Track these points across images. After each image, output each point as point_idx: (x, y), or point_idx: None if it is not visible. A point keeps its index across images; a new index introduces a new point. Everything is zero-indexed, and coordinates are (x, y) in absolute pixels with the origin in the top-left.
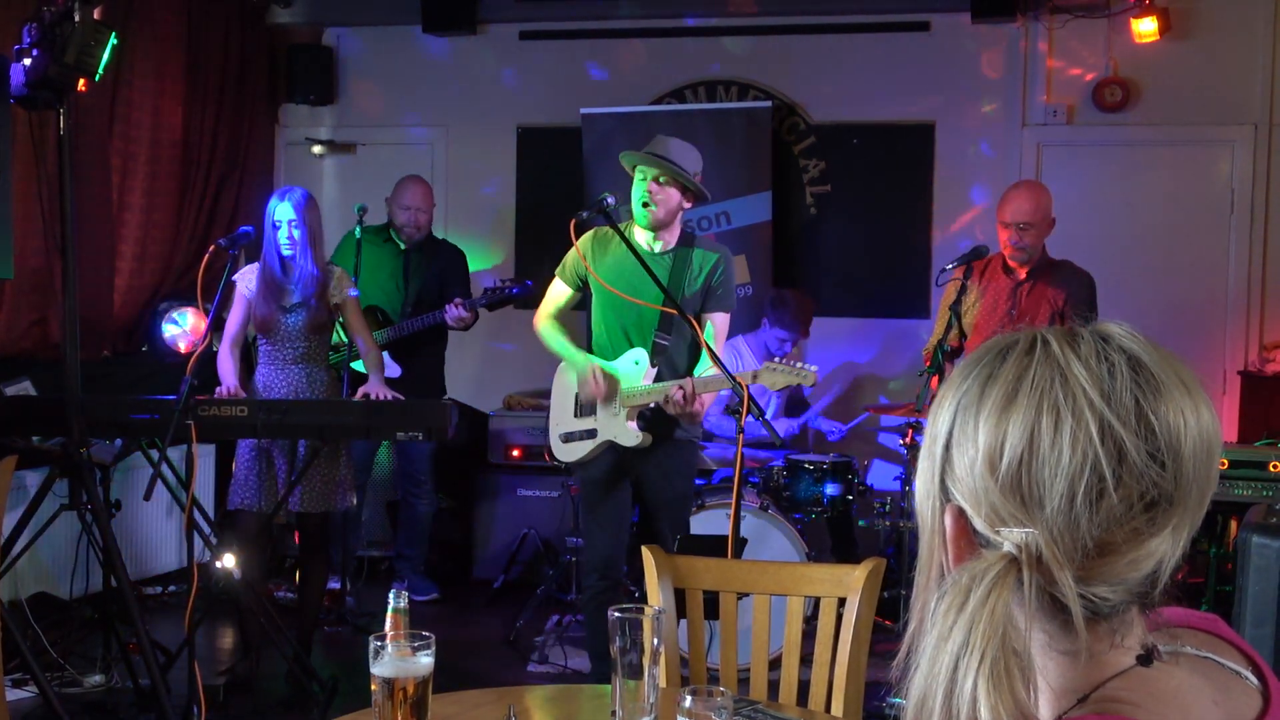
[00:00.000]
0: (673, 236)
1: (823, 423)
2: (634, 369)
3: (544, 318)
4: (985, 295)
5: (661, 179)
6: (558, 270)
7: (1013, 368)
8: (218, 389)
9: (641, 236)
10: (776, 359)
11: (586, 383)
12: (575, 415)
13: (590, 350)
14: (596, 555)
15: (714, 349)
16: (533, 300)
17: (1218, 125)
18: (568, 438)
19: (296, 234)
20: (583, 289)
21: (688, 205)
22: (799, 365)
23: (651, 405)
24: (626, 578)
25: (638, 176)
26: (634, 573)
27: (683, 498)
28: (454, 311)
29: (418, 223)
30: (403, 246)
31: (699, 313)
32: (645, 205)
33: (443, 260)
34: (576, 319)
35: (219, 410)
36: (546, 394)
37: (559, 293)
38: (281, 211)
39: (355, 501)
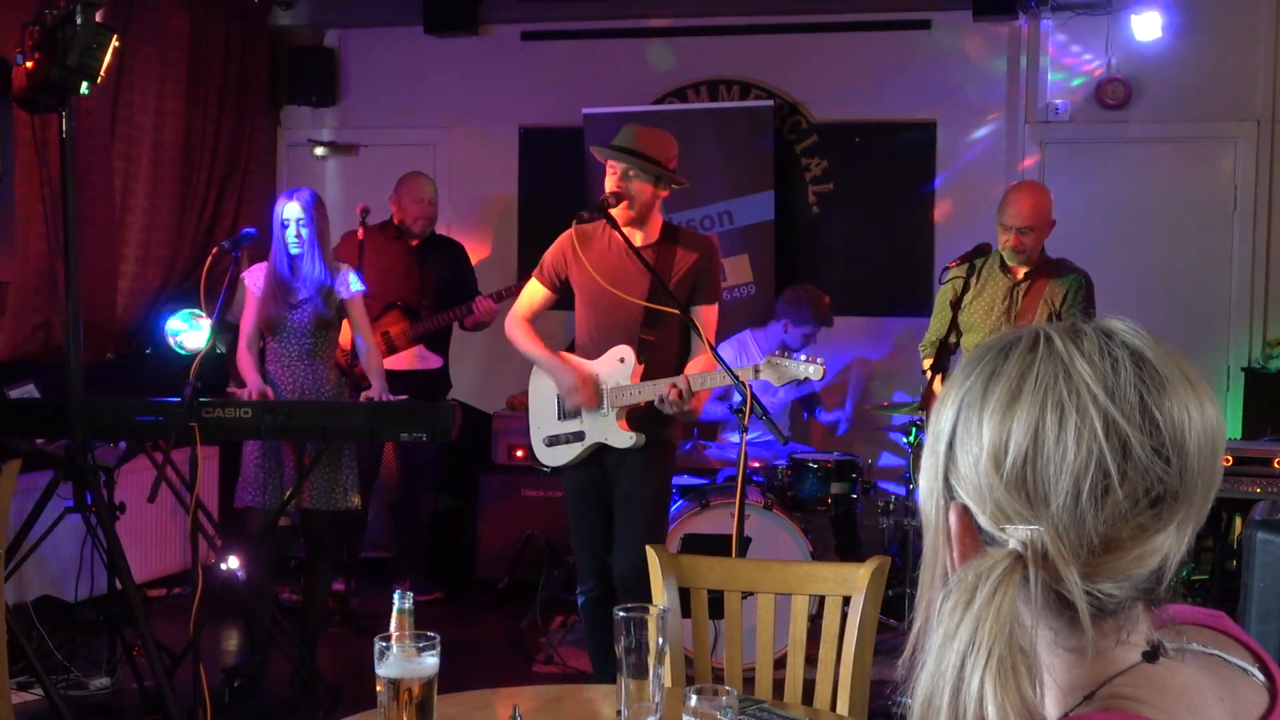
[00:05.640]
0: (654, 230)
1: (823, 415)
2: (620, 367)
3: (517, 319)
4: (982, 294)
5: (631, 173)
6: (535, 271)
7: (1016, 365)
8: (239, 390)
9: (625, 232)
10: (778, 351)
11: (574, 391)
12: (559, 418)
13: (573, 349)
14: (592, 563)
15: (710, 344)
16: None
17: (1220, 122)
18: (552, 441)
19: (304, 233)
20: (560, 289)
21: (663, 195)
22: (803, 358)
23: (643, 405)
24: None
25: (608, 171)
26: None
27: (656, 497)
28: (485, 303)
29: (429, 216)
30: (413, 243)
31: (687, 306)
32: (617, 198)
33: (453, 256)
34: (554, 319)
35: (223, 412)
36: None
37: (535, 293)
38: (289, 211)
39: (358, 503)
